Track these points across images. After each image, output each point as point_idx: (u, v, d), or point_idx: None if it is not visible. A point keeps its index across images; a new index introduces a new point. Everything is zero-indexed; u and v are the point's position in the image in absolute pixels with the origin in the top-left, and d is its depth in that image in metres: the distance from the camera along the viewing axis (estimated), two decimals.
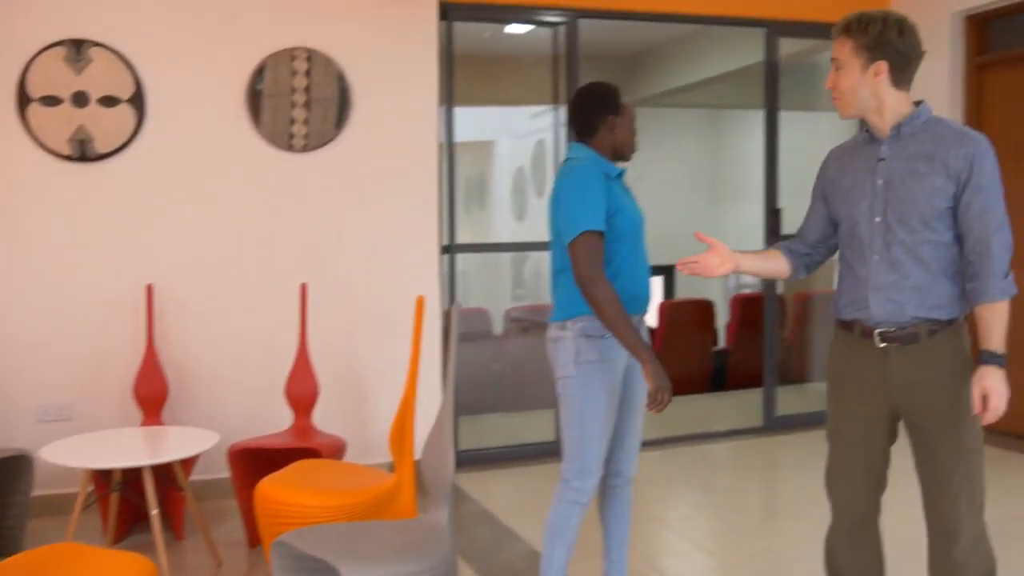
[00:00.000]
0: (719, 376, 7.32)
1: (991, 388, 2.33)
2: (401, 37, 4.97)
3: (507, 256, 9.93)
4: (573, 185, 2.92)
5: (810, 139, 6.98)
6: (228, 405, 4.68)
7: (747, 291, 8.93)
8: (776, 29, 5.85)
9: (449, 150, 5.22)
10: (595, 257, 2.84)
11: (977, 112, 5.59)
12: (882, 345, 2.48)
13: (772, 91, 5.91)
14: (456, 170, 5.28)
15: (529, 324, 7.40)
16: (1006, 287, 2.38)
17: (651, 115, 9.50)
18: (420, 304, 3.50)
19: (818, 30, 5.96)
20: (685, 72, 8.27)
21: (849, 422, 2.60)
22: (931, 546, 2.52)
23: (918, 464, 2.53)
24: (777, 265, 2.74)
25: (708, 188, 11.01)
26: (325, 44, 4.81)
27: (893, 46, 2.42)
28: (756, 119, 10.34)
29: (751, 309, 7.43)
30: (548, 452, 5.39)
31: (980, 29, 5.59)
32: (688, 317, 7.31)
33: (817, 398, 6.74)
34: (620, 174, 3.06)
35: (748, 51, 7.15)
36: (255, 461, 4.10)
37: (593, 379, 2.95)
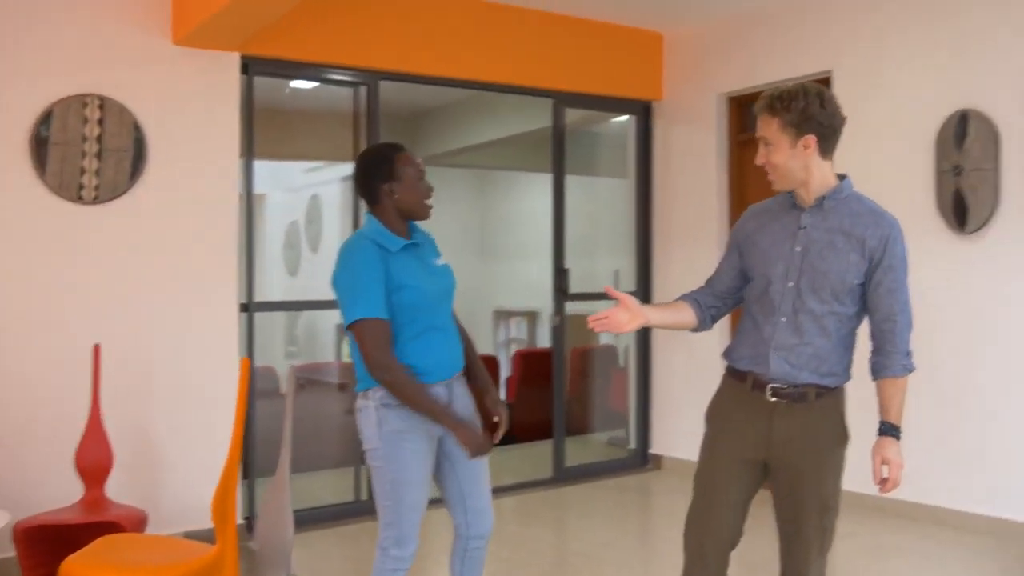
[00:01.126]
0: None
1: (890, 459, 2.48)
2: (201, 89, 4.82)
3: (279, 313, 9.69)
4: (345, 268, 2.86)
5: (586, 202, 7.44)
6: (10, 480, 4.25)
7: (524, 347, 9.24)
8: (563, 100, 6.20)
9: (248, 204, 5.10)
10: (377, 342, 2.77)
11: (739, 181, 6.19)
12: (772, 400, 2.57)
13: (559, 156, 6.24)
14: (255, 225, 5.16)
15: (305, 382, 7.26)
16: (908, 364, 2.54)
17: (431, 174, 9.67)
18: (245, 366, 3.40)
19: (599, 102, 6.43)
20: (466, 134, 8.54)
21: (724, 468, 2.65)
22: None
23: (780, 512, 2.65)
24: (684, 317, 2.75)
25: (478, 246, 11.32)
26: (120, 92, 4.58)
27: (817, 119, 2.50)
28: (525, 180, 10.87)
29: (532, 364, 7.71)
30: (350, 513, 5.32)
31: (740, 109, 6.23)
32: None
33: (601, 448, 7.10)
34: (408, 245, 2.93)
35: (527, 117, 7.54)
36: (44, 539, 3.76)
37: (400, 448, 2.87)
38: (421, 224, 3.06)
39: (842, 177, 2.61)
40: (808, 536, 2.59)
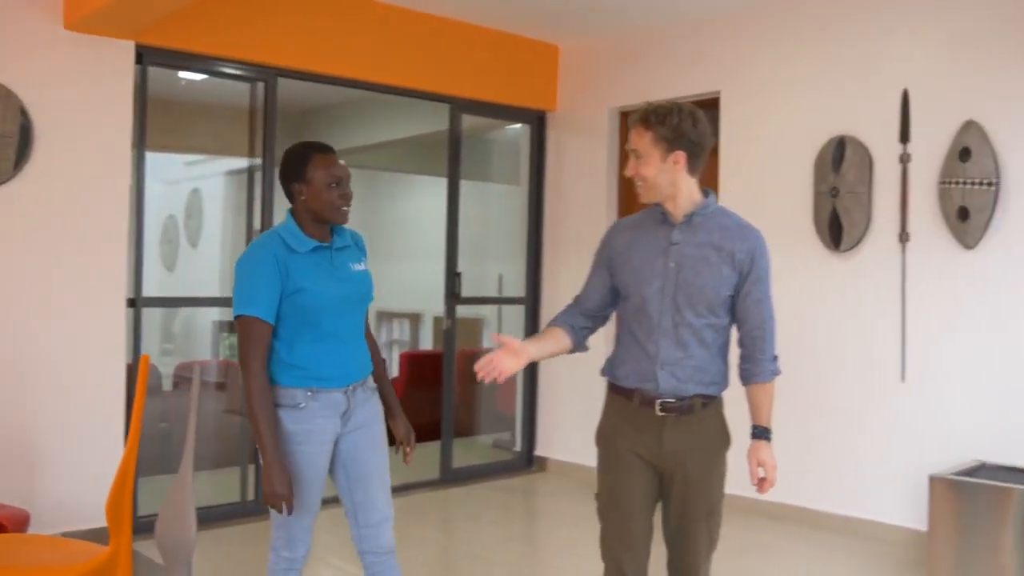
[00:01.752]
0: (387, 432, 7.46)
1: (765, 461, 2.60)
2: (93, 76, 4.67)
3: (156, 309, 9.42)
4: (245, 260, 2.84)
5: (478, 206, 7.52)
6: None
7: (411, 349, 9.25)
8: (460, 106, 6.27)
9: (138, 197, 4.97)
10: (249, 342, 2.75)
11: (628, 193, 6.39)
12: (661, 414, 2.62)
13: (455, 161, 6.31)
14: (145, 218, 5.03)
15: (181, 380, 7.10)
16: (775, 369, 2.68)
17: None
18: (144, 363, 3.32)
19: (495, 110, 6.53)
20: (355, 134, 8.49)
21: (626, 488, 2.68)
22: None
23: (670, 520, 2.70)
24: (561, 344, 2.77)
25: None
26: (5, 75, 4.40)
27: (689, 136, 2.57)
28: (411, 183, 10.87)
29: (418, 366, 7.74)
30: (235, 513, 5.25)
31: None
32: None
33: (486, 451, 7.19)
34: (319, 248, 2.87)
35: (419, 121, 7.58)
36: None
37: (292, 450, 2.81)
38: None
39: (707, 192, 2.68)
40: (698, 542, 2.68)
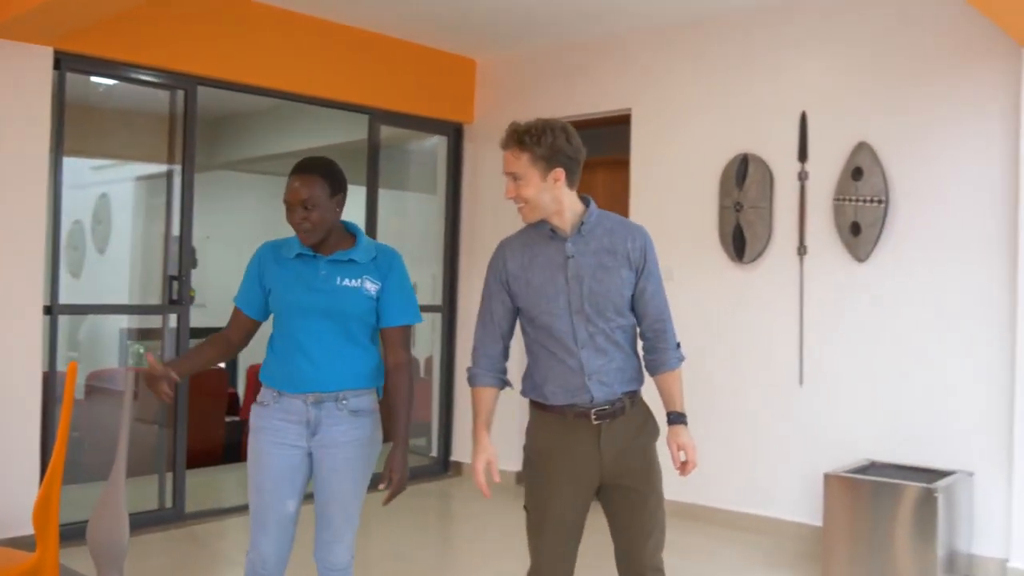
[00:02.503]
0: (236, 447, 7.33)
1: (686, 443, 2.68)
2: (10, 81, 4.64)
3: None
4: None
5: (395, 215, 7.62)
6: None
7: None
8: (379, 117, 6.38)
9: (55, 203, 4.93)
10: (228, 323, 3.06)
11: None
12: (596, 423, 2.65)
13: (373, 170, 6.41)
14: (62, 225, 5.00)
15: (93, 390, 6.99)
16: (680, 355, 2.78)
17: (231, 179, 9.54)
18: (72, 370, 3.36)
19: (414, 121, 6.66)
20: (266, 143, 8.50)
21: (562, 503, 2.68)
22: None
23: (621, 520, 2.73)
24: (494, 401, 2.77)
25: None
26: None
27: (565, 152, 2.61)
28: None
29: None
30: (154, 521, 5.24)
31: None
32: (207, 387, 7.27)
33: None
34: (303, 255, 2.93)
35: (332, 130, 7.65)
36: None
37: (250, 445, 2.96)
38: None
39: (586, 200, 2.73)
40: (655, 534, 2.74)
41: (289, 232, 2.97)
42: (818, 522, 4.82)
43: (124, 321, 7.77)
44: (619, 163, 6.17)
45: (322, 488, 2.92)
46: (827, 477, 4.62)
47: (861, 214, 5.03)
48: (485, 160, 6.78)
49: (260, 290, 2.98)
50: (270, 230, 10.59)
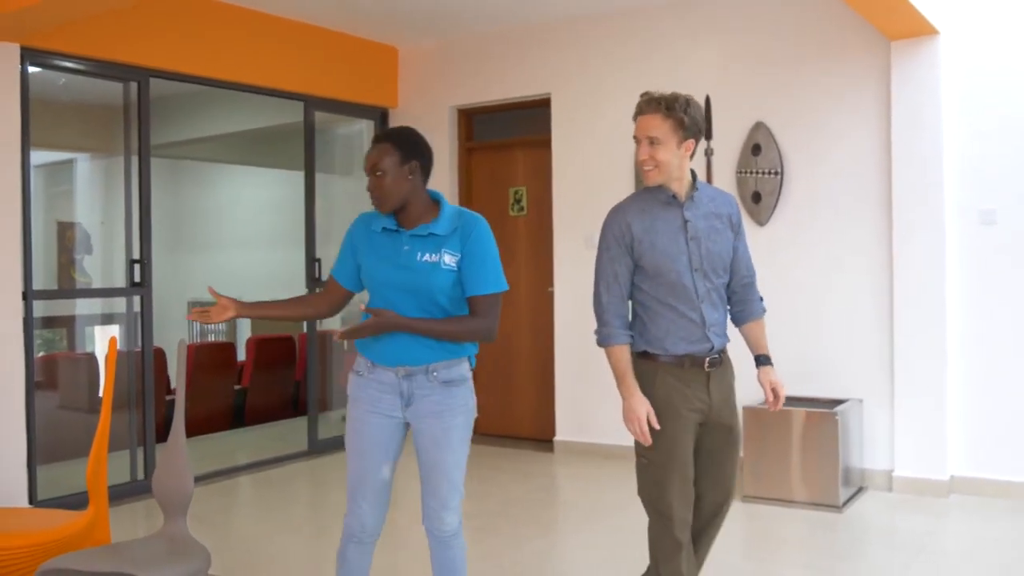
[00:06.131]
0: (239, 413, 7.83)
1: (776, 381, 3.00)
2: None
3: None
4: None
5: (322, 199, 7.97)
6: None
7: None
8: (313, 103, 6.76)
9: (24, 194, 5.13)
10: (322, 292, 3.15)
11: (467, 186, 7.14)
12: (708, 370, 2.92)
13: (310, 155, 6.78)
14: (33, 216, 5.21)
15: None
16: (764, 307, 3.12)
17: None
18: (113, 344, 3.70)
19: (343, 107, 7.06)
20: (179, 129, 8.67)
21: (684, 447, 2.91)
22: (711, 512, 3.04)
23: (718, 455, 3.00)
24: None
25: (173, 238, 11.27)
26: None
27: (699, 126, 2.85)
28: (222, 173, 10.99)
29: (265, 350, 8.11)
30: (126, 493, 5.53)
31: (469, 121, 7.18)
32: (211, 359, 7.71)
33: (338, 424, 7.70)
34: (387, 230, 2.94)
35: (248, 115, 7.96)
36: None
37: (349, 414, 3.02)
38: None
39: (692, 172, 2.95)
40: (734, 470, 3.06)
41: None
42: None
43: (87, 307, 7.79)
44: (541, 143, 6.78)
45: (424, 458, 2.96)
46: (744, 409, 5.38)
47: (761, 184, 5.82)
48: None
49: (353, 262, 3.01)
50: (164, 214, 10.57)
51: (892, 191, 5.41)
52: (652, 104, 2.82)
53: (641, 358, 2.96)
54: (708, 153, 6.01)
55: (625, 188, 6.30)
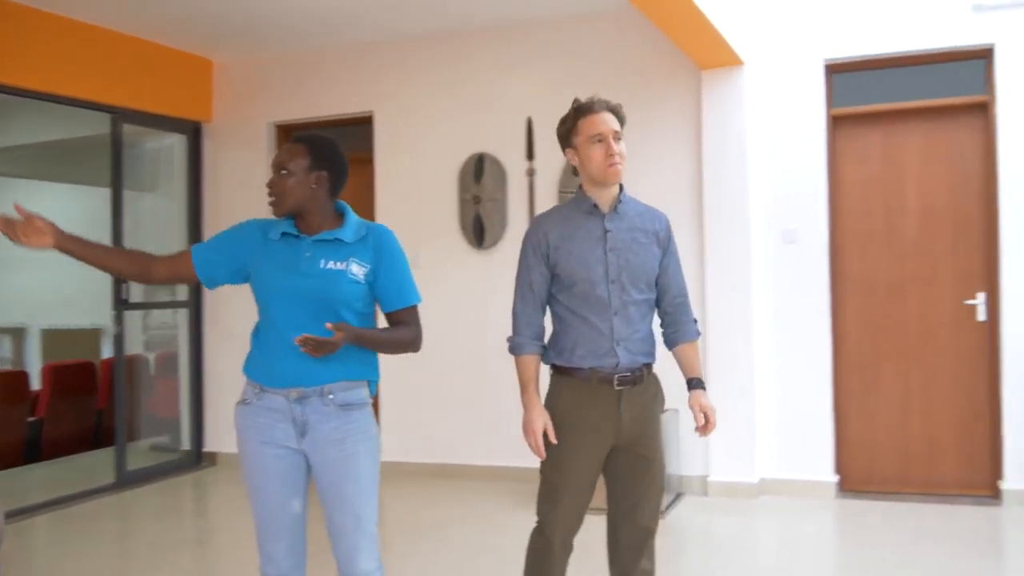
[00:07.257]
0: (34, 446, 7.24)
1: (707, 406, 2.87)
2: None
3: None
4: None
5: (131, 216, 7.56)
6: None
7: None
8: (121, 116, 6.41)
9: None
10: (167, 258, 2.80)
11: None
12: (618, 388, 2.83)
13: (118, 170, 6.42)
14: None
15: None
16: (697, 329, 3.02)
17: None
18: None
19: (154, 120, 6.74)
20: None
21: (580, 466, 2.86)
22: (627, 547, 2.93)
23: (627, 484, 2.90)
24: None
25: None
26: None
27: None
28: (8, 188, 10.22)
29: (64, 378, 7.56)
30: None
31: (287, 137, 7.02)
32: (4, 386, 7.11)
33: (146, 454, 7.29)
34: (287, 236, 2.71)
35: (55, 127, 7.46)
36: None
37: (240, 449, 2.74)
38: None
39: (619, 186, 2.93)
40: (656, 497, 2.95)
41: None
42: None
43: None
44: (362, 160, 6.72)
45: (328, 495, 2.67)
46: None
47: None
48: (227, 159, 7.01)
49: (228, 256, 2.75)
50: None
51: (703, 214, 5.72)
52: (601, 103, 2.88)
53: (555, 372, 2.94)
54: (530, 173, 6.15)
55: (449, 205, 6.35)
